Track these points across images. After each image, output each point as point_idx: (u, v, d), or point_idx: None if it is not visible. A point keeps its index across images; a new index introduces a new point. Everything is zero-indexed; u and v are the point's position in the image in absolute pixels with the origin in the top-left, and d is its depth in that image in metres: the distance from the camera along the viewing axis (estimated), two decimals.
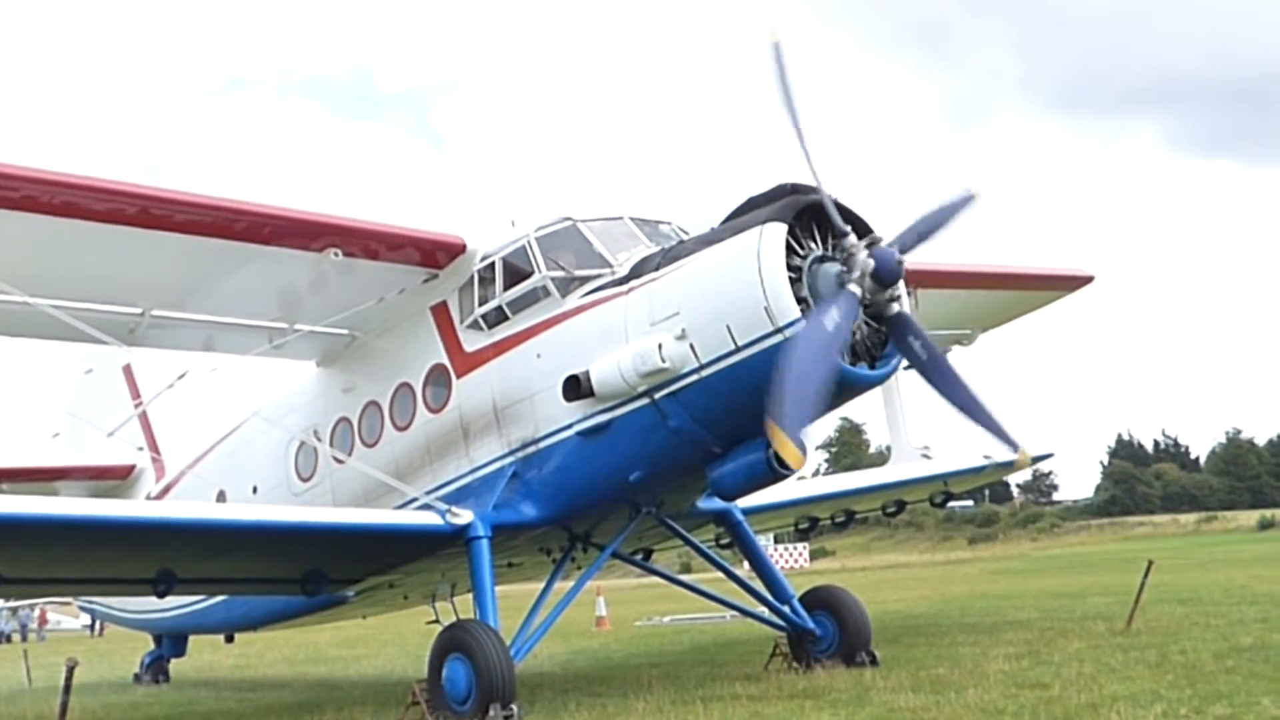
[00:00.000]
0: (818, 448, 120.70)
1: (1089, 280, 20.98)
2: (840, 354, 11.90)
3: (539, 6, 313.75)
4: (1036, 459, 23.65)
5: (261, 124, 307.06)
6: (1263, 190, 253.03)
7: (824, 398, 11.57)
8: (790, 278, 11.93)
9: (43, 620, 61.80)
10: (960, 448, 19.96)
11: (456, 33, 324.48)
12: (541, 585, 15.12)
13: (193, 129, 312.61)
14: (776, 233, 11.99)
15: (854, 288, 11.81)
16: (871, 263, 11.86)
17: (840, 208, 12.25)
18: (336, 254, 14.46)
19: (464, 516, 13.94)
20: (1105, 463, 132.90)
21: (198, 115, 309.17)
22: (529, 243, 14.24)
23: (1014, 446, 13.28)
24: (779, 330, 11.83)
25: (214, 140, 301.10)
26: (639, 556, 17.00)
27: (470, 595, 14.35)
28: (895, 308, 12.18)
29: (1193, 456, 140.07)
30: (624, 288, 13.33)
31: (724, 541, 17.99)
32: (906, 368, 12.92)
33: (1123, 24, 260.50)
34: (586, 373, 13.03)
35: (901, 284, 12.14)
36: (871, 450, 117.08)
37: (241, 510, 15.53)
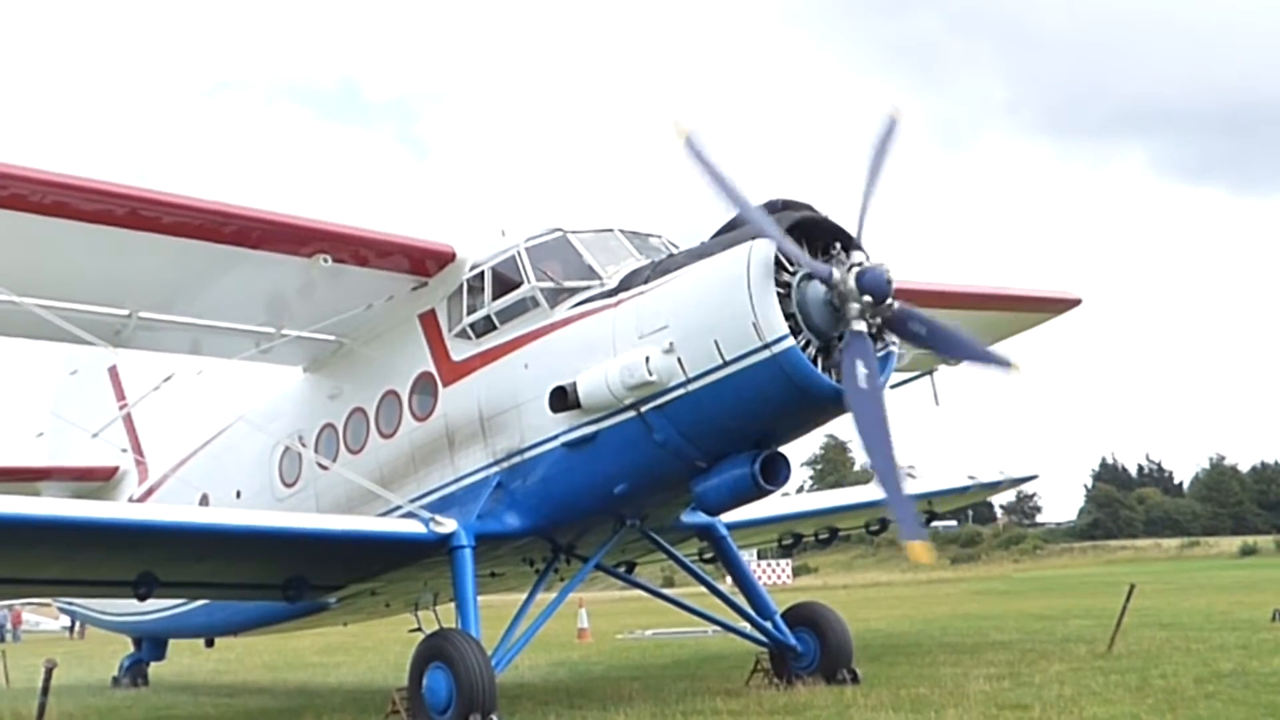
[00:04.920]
0: (803, 464, 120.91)
1: (1076, 303, 21.02)
2: (830, 371, 11.94)
3: (526, 17, 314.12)
4: (1021, 480, 23.71)
5: (248, 128, 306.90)
6: (1249, 217, 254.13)
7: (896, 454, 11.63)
8: (779, 294, 11.94)
9: (16, 621, 61.46)
10: (945, 468, 19.98)
11: (443, 42, 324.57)
12: (524, 596, 15.10)
13: (179, 131, 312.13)
14: (766, 249, 12.00)
15: (859, 325, 11.81)
16: (855, 288, 11.84)
17: (829, 225, 12.28)
18: (325, 260, 14.45)
19: (448, 525, 13.92)
20: (1089, 486, 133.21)
21: (184, 118, 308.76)
22: (519, 253, 14.25)
23: (1007, 364, 12.68)
24: (766, 346, 11.83)
25: (200, 143, 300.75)
26: (622, 569, 16.98)
27: (452, 604, 14.34)
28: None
29: (1176, 482, 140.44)
30: (613, 300, 13.33)
31: (707, 556, 17.99)
32: (894, 386, 12.92)
33: (1110, 49, 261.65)
34: (573, 384, 13.02)
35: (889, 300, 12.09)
36: (856, 468, 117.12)
37: (224, 514, 15.47)
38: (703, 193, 12.37)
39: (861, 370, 11.54)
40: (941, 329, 12.48)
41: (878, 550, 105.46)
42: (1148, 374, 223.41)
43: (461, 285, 14.82)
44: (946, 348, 13.02)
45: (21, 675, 24.80)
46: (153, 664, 23.74)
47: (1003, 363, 12.77)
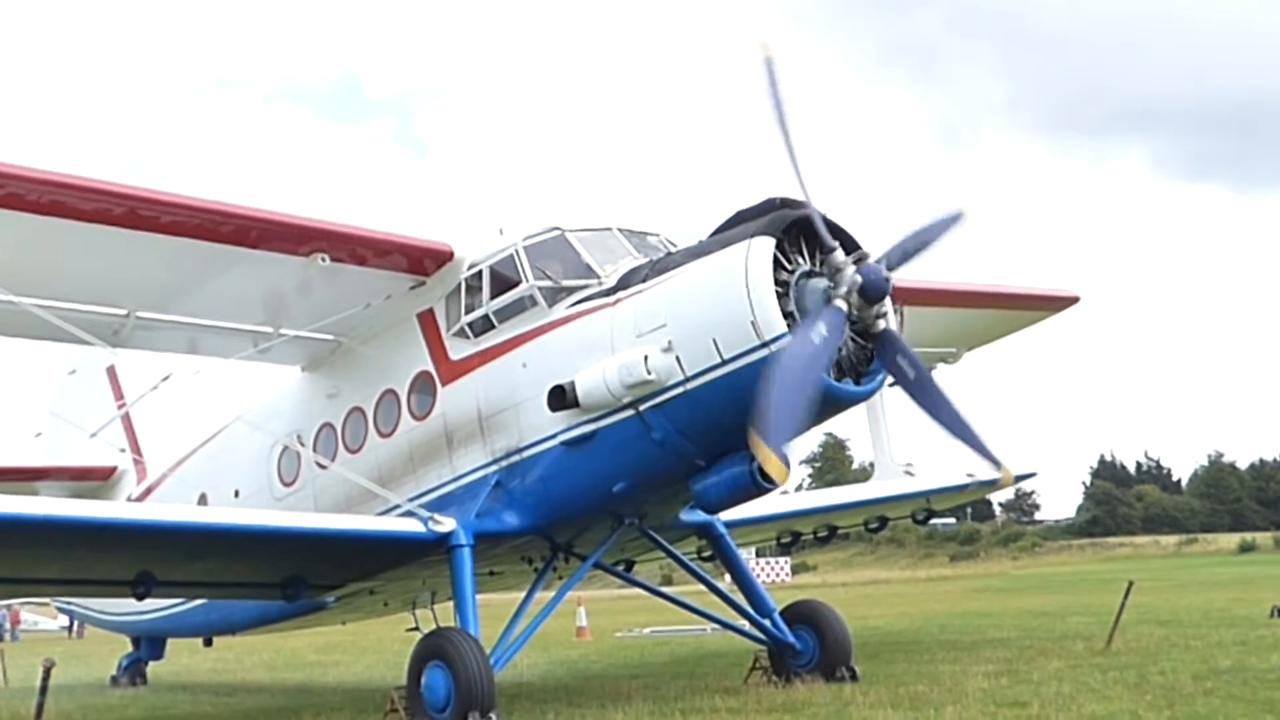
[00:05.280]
0: (801, 463, 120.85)
1: (1075, 300, 21.04)
2: (826, 369, 11.94)
3: (524, 15, 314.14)
4: (1020, 478, 23.69)
5: (246, 126, 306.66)
6: (1248, 215, 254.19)
7: (809, 412, 11.57)
8: (777, 292, 11.95)
9: (15, 620, 61.41)
10: (943, 465, 20.00)
11: (442, 40, 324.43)
12: (522, 594, 15.10)
13: (177, 129, 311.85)
14: (764, 247, 12.01)
15: (840, 303, 11.83)
16: (859, 279, 11.88)
17: (828, 223, 12.28)
18: (324, 259, 14.44)
19: (446, 524, 13.92)
20: (1087, 483, 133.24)
21: (182, 116, 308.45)
22: (517, 252, 14.25)
23: (997, 464, 13.26)
24: (765, 344, 11.84)
25: (198, 141, 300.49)
26: (620, 567, 16.98)
27: (451, 603, 14.34)
28: (882, 324, 12.20)
29: (1175, 479, 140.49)
30: (611, 299, 13.34)
31: (706, 554, 18.00)
32: (892, 384, 12.93)
33: (1110, 47, 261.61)
34: (572, 383, 13.03)
35: (889, 301, 12.15)
36: (855, 466, 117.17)
37: (222, 514, 15.47)
38: (764, 121, 12.31)
39: (820, 330, 11.49)
40: (929, 384, 12.64)
41: (877, 548, 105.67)
42: (1146, 371, 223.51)
43: (460, 284, 14.82)
44: (929, 407, 12.73)
45: (20, 674, 24.79)
46: (151, 663, 23.72)
47: (992, 459, 12.94)
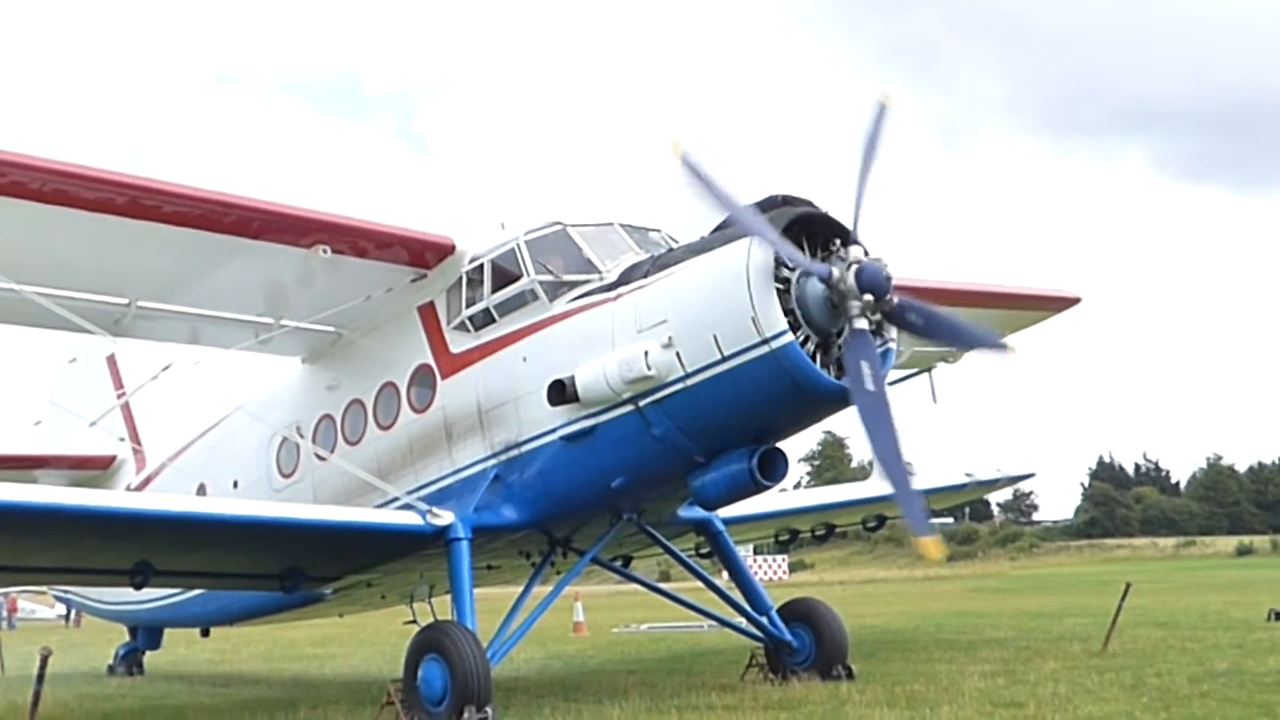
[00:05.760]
0: (800, 460, 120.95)
1: (1075, 301, 21.03)
2: (829, 367, 11.96)
3: (524, 11, 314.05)
4: (1018, 478, 23.72)
5: (247, 121, 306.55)
6: (1248, 216, 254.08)
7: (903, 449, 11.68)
8: (778, 289, 11.94)
9: (12, 608, 61.44)
10: (942, 465, 20.00)
11: (441, 36, 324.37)
12: (520, 589, 15.10)
13: (178, 124, 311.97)
14: (765, 244, 12.00)
15: (861, 323, 11.82)
16: (857, 288, 11.84)
17: (829, 221, 12.28)
18: (325, 251, 14.44)
19: (445, 517, 13.93)
20: (1086, 484, 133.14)
21: (184, 110, 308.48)
22: (518, 246, 14.25)
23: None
24: (765, 342, 11.84)
25: (199, 136, 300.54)
26: (618, 563, 16.97)
27: (448, 596, 14.34)
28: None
29: (1173, 481, 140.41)
30: (612, 294, 13.33)
31: (704, 551, 18.00)
32: (893, 382, 12.91)
33: (1110, 47, 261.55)
34: (572, 378, 13.03)
35: (889, 299, 12.09)
36: (853, 464, 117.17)
37: (221, 504, 15.45)
38: (700, 205, 12.51)
39: (866, 369, 11.55)
40: (938, 317, 12.50)
41: (874, 547, 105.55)
42: (1146, 373, 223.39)
43: (461, 278, 14.82)
44: (943, 335, 12.97)
45: (17, 663, 24.85)
46: (148, 653, 23.77)
47: (999, 346, 12.83)
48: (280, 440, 17.10)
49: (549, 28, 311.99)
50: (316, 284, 15.00)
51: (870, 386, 11.53)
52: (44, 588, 37.53)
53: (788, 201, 12.49)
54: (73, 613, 52.44)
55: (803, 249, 12.34)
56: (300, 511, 14.80)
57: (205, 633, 22.49)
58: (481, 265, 14.59)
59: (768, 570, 77.33)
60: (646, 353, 12.47)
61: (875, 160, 12.63)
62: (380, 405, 15.66)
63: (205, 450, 19.19)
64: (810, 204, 12.50)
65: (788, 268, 12.12)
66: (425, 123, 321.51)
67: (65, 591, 24.44)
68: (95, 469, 22.23)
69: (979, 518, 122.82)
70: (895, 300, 12.08)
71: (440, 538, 13.93)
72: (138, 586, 14.47)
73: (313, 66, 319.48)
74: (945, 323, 12.57)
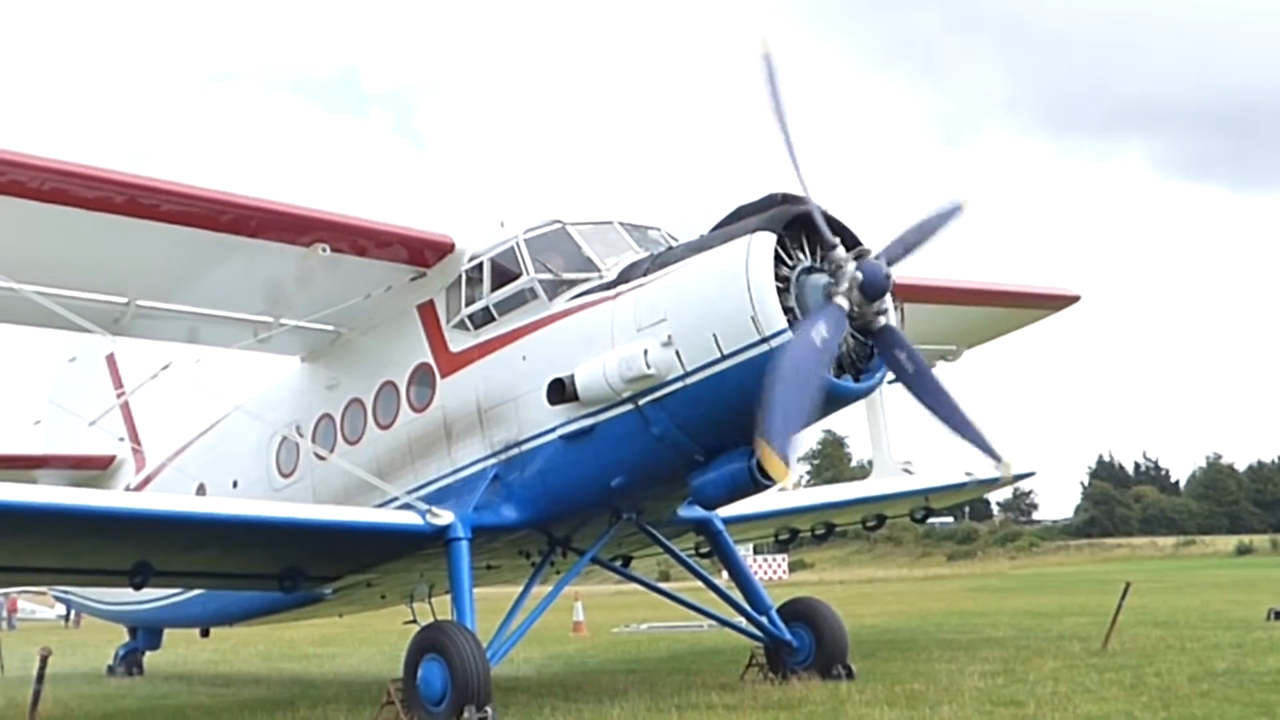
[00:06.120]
0: (800, 460, 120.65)
1: (1075, 299, 21.03)
2: (827, 367, 11.94)
3: (524, 7, 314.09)
4: (1018, 477, 23.70)
5: (246, 118, 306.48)
6: (1247, 215, 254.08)
7: (811, 411, 11.58)
8: (778, 288, 11.94)
9: (12, 608, 61.41)
10: (942, 463, 19.99)
11: (441, 33, 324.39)
12: (520, 588, 15.09)
13: (177, 121, 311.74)
14: (765, 242, 12.00)
15: (841, 300, 11.82)
16: (860, 275, 11.88)
17: (829, 219, 12.27)
18: (324, 249, 14.44)
19: (444, 517, 13.92)
20: (1085, 483, 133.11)
21: (182, 107, 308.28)
22: (517, 244, 14.24)
23: (998, 460, 13.27)
24: (765, 340, 11.83)
25: (198, 133, 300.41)
26: (618, 563, 16.97)
27: (448, 596, 14.33)
28: (882, 321, 12.19)
29: (1173, 480, 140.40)
30: (611, 293, 13.32)
31: (704, 550, 17.99)
32: (892, 381, 12.92)
33: (1110, 47, 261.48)
34: (571, 377, 13.03)
35: (889, 297, 12.14)
36: (853, 464, 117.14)
37: (220, 504, 15.44)
38: (763, 116, 12.30)
39: (821, 329, 11.48)
40: (929, 380, 12.64)
41: (874, 546, 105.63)
42: (1145, 372, 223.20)
43: (460, 276, 14.81)
44: (929, 403, 12.73)
45: (16, 663, 24.84)
46: (148, 653, 23.75)
47: (993, 454, 12.96)
48: (280, 440, 17.09)
49: (549, 25, 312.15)
50: (316, 282, 15.00)
51: (810, 340, 11.42)
52: (44, 588, 37.52)
53: (787, 200, 12.47)
54: (72, 613, 52.40)
55: (802, 248, 12.34)
56: (300, 511, 14.80)
57: (205, 633, 22.48)
58: (481, 264, 14.57)
59: (767, 570, 77.25)
60: (646, 351, 12.46)
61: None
62: (380, 404, 15.65)
63: (205, 450, 19.18)
64: (809, 203, 12.46)
65: (787, 265, 12.13)
66: (425, 120, 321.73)
67: (65, 592, 24.44)
68: (95, 469, 22.22)
69: (979, 517, 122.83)
70: (890, 324, 12.22)
71: (440, 537, 13.92)
72: (137, 587, 14.46)
73: (312, 63, 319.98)
74: (938, 393, 12.68)
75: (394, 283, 15.27)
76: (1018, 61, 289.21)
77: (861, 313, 12.02)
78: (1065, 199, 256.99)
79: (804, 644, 15.54)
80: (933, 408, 12.63)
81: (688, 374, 12.41)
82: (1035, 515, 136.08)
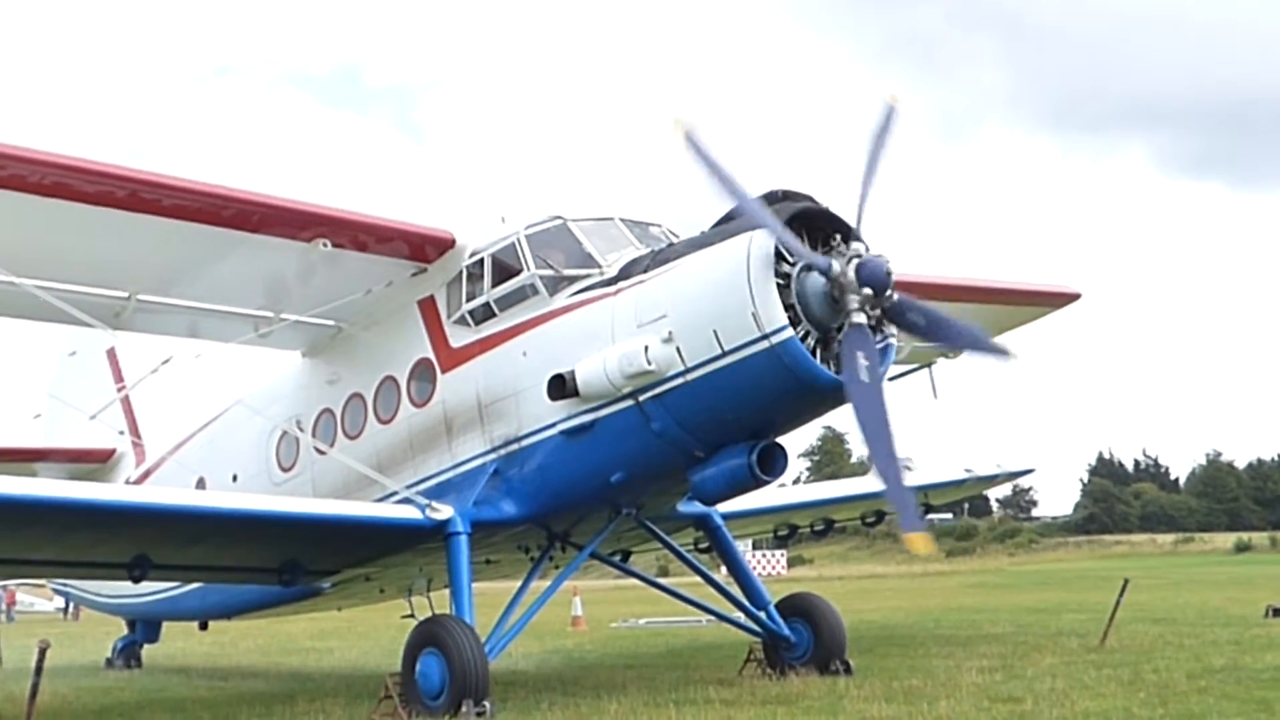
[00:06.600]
0: (799, 455, 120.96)
1: (1076, 297, 21.02)
2: (829, 362, 11.96)
3: (525, 5, 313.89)
4: (1017, 474, 23.74)
5: (247, 113, 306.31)
6: (1247, 213, 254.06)
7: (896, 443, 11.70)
8: (778, 285, 11.94)
9: (11, 601, 61.44)
10: (941, 460, 20.00)
11: (442, 29, 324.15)
12: (518, 583, 15.10)
13: (178, 116, 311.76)
14: (766, 239, 12.00)
15: (859, 318, 11.82)
16: (859, 283, 11.85)
17: (830, 216, 12.28)
18: (325, 245, 14.44)
19: (444, 512, 13.93)
20: (1085, 480, 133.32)
21: (184, 102, 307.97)
22: (518, 240, 14.24)
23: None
24: (765, 337, 11.84)
25: (199, 128, 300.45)
26: (617, 558, 17.00)
27: (447, 591, 14.34)
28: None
29: (1172, 477, 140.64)
30: (612, 289, 13.33)
31: (703, 546, 17.98)
32: (892, 378, 12.93)
33: (1111, 44, 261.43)
34: (572, 372, 13.03)
35: (890, 294, 12.10)
36: (853, 460, 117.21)
37: (220, 498, 15.47)
38: (703, 188, 12.43)
39: (862, 362, 11.56)
40: (939, 318, 12.52)
41: (873, 542, 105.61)
42: (1145, 369, 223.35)
43: (461, 272, 14.81)
44: (945, 337, 13.02)
45: (15, 655, 24.83)
46: (146, 646, 23.76)
47: (1000, 351, 12.85)
48: (280, 434, 17.10)
49: (551, 21, 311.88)
50: (316, 278, 15.00)
51: (865, 379, 11.53)
52: (43, 581, 37.62)
53: (788, 196, 12.47)
54: (71, 606, 52.47)
55: (803, 244, 12.34)
56: (299, 505, 14.80)
57: (203, 626, 22.53)
58: (482, 259, 14.58)
59: (766, 565, 77.23)
60: (646, 347, 12.47)
61: (881, 160, 12.65)
62: (380, 399, 15.66)
63: (205, 444, 19.19)
64: (811, 199, 12.48)
65: (788, 262, 12.13)
66: (426, 115, 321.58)
67: (64, 585, 24.45)
68: (95, 462, 22.23)
69: (978, 513, 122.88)
70: (896, 298, 12.09)
71: (439, 532, 13.93)
72: (136, 580, 14.49)
73: (313, 58, 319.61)
74: (945, 324, 12.61)
75: (395, 278, 15.28)
76: (1019, 58, 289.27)
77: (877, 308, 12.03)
78: (1066, 196, 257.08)
79: (802, 639, 15.56)
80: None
81: (688, 370, 12.42)
82: (1034, 512, 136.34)
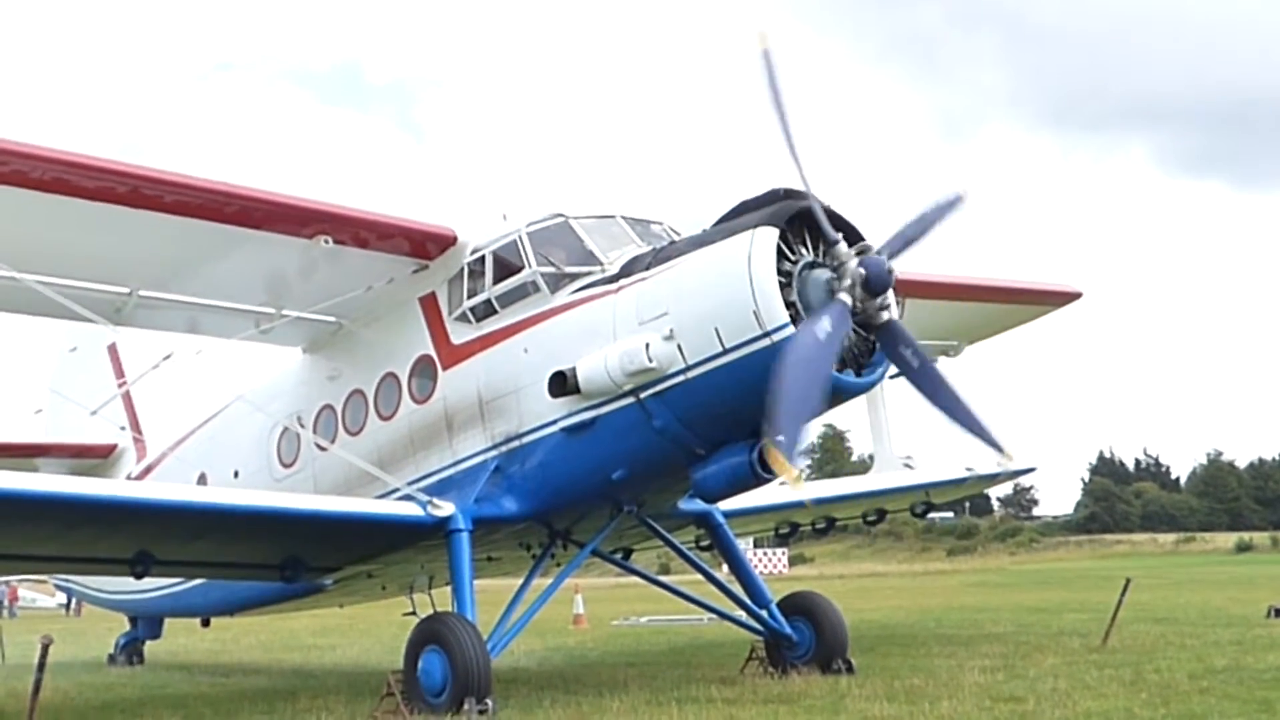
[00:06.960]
0: (801, 454, 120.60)
1: (1077, 296, 21.00)
2: (831, 362, 11.93)
3: (525, 3, 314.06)
4: (1018, 473, 23.73)
5: (248, 109, 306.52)
6: (1248, 211, 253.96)
7: (816, 407, 11.58)
8: (780, 283, 11.93)
9: (12, 597, 61.47)
10: (943, 458, 19.98)
11: (443, 26, 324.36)
12: (520, 581, 15.09)
13: (179, 113, 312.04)
14: (768, 237, 11.99)
15: (845, 296, 11.82)
16: (862, 271, 11.87)
17: (831, 215, 12.26)
18: (327, 241, 14.42)
19: (445, 509, 13.92)
20: (1086, 479, 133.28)
21: (184, 99, 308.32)
22: (520, 237, 14.23)
23: (1002, 453, 13.27)
24: (767, 334, 11.83)
25: (200, 125, 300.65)
26: (618, 555, 16.99)
27: (449, 588, 14.33)
28: (885, 316, 12.19)
29: (1173, 476, 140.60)
30: (613, 286, 13.32)
31: (704, 544, 17.99)
32: (894, 376, 12.93)
33: (1112, 43, 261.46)
34: (573, 369, 13.02)
35: (891, 292, 12.14)
36: (854, 458, 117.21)
37: (221, 494, 15.47)
38: (763, 111, 12.29)
39: (825, 325, 11.47)
40: (933, 374, 12.61)
41: (874, 541, 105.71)
42: (1146, 368, 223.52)
43: (462, 269, 14.80)
44: (933, 397, 12.76)
45: (17, 651, 24.85)
46: (148, 643, 23.75)
47: (996, 446, 12.97)
48: (281, 430, 17.09)
49: (552, 18, 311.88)
50: (318, 274, 14.98)
51: (819, 337, 11.40)
52: (45, 576, 37.63)
53: (790, 195, 12.46)
54: (74, 602, 52.52)
55: (805, 243, 12.34)
56: (301, 501, 14.79)
57: (206, 623, 22.50)
58: (483, 256, 14.57)
59: (768, 564, 77.24)
60: (648, 345, 12.46)
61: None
62: (381, 396, 15.65)
63: (206, 440, 19.19)
64: (812, 198, 12.45)
65: (790, 260, 12.13)
66: (426, 113, 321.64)
67: (66, 580, 24.45)
68: (96, 458, 22.23)
69: (979, 512, 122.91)
70: (893, 319, 12.20)
71: (440, 529, 13.92)
72: (138, 576, 14.48)
73: (314, 55, 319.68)
74: (941, 386, 12.71)
75: (396, 275, 15.26)
76: (1019, 58, 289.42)
77: (864, 308, 12.02)
78: (1067, 195, 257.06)
79: (804, 638, 15.55)
80: (937, 402, 12.64)
81: (689, 367, 12.42)
82: (1036, 511, 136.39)
